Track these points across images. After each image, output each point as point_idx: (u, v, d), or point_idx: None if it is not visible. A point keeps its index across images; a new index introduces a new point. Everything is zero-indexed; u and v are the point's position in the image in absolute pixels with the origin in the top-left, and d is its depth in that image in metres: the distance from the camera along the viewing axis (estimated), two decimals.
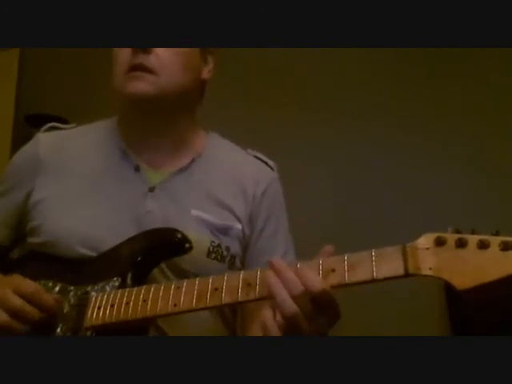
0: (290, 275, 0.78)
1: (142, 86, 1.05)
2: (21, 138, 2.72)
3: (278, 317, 0.78)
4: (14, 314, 0.92)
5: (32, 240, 1.11)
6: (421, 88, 2.62)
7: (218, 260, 1.07)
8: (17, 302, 0.93)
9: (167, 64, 1.06)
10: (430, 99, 2.61)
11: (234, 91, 2.66)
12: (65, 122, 1.30)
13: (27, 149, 1.18)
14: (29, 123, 2.92)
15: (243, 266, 1.12)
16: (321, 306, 0.78)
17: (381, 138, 2.63)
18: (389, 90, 2.66)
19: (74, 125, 1.23)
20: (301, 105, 2.75)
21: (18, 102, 3.05)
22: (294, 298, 0.77)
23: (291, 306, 0.77)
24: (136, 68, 1.06)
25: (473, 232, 0.73)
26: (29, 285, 0.95)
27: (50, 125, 1.22)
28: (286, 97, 2.78)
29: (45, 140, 1.17)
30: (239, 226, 1.11)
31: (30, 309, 0.93)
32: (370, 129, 2.65)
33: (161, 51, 1.06)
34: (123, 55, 1.07)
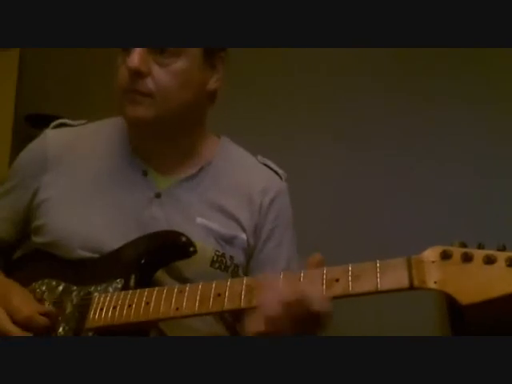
0: (280, 284, 0.81)
1: (138, 110, 1.04)
2: (21, 138, 2.72)
3: (260, 319, 0.80)
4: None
5: (36, 239, 1.10)
6: (423, 89, 2.61)
7: (221, 269, 1.06)
8: (15, 332, 0.94)
9: (164, 86, 1.04)
10: (435, 101, 2.59)
11: (233, 91, 2.65)
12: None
13: (35, 146, 1.17)
14: (29, 123, 2.92)
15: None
16: (316, 317, 0.78)
17: (382, 139, 2.62)
18: (391, 91, 2.64)
19: (83, 121, 1.21)
20: (302, 104, 2.75)
21: (18, 102, 3.05)
22: (284, 304, 0.78)
23: (275, 310, 0.78)
24: (132, 93, 1.04)
25: (479, 246, 0.72)
26: (21, 310, 0.96)
27: (59, 121, 1.20)
28: (287, 96, 2.77)
29: (53, 137, 1.16)
30: (244, 236, 1.10)
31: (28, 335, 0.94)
32: (372, 131, 2.64)
33: (158, 73, 1.04)
34: (121, 73, 1.06)
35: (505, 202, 2.36)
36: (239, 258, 1.09)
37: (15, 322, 0.95)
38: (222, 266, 1.07)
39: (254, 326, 0.81)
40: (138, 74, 1.03)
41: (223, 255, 1.07)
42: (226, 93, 1.17)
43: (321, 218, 2.55)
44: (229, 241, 1.09)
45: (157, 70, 1.04)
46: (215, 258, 1.06)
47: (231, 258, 1.08)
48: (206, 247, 1.06)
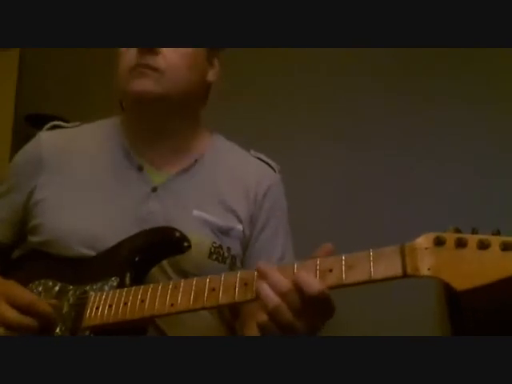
0: (274, 275, 0.80)
1: (146, 83, 1.05)
2: (21, 137, 2.72)
3: (264, 316, 0.79)
4: (12, 328, 0.92)
5: (33, 239, 1.10)
6: (423, 89, 2.61)
7: (218, 261, 1.07)
8: (14, 316, 0.93)
9: (173, 64, 1.07)
10: (435, 101, 2.59)
11: (234, 91, 2.65)
12: (66, 121, 1.30)
13: (29, 148, 1.18)
14: (29, 123, 2.92)
15: (243, 267, 1.12)
16: (315, 304, 0.78)
17: (382, 139, 2.62)
18: (391, 91, 2.64)
19: (77, 123, 1.22)
20: (302, 104, 2.75)
21: (18, 101, 3.05)
22: (281, 294, 0.78)
23: (273, 300, 0.78)
24: (142, 67, 1.06)
25: (473, 231, 0.71)
26: (23, 296, 0.95)
27: (52, 123, 1.21)
28: (287, 96, 2.78)
29: (47, 139, 1.17)
30: (240, 227, 1.11)
31: (27, 321, 0.93)
32: (372, 131, 2.64)
33: (167, 52, 1.07)
34: (129, 55, 1.07)
35: (505, 201, 2.36)
36: (236, 248, 1.10)
37: (16, 308, 0.93)
38: (220, 257, 1.07)
39: (258, 318, 0.81)
40: (149, 50, 1.05)
41: (220, 247, 1.07)
42: (226, 93, 1.17)
43: (321, 218, 2.55)
44: (225, 232, 1.09)
45: (167, 51, 1.07)
46: (212, 250, 1.06)
47: (228, 249, 1.08)
48: (203, 239, 1.06)
